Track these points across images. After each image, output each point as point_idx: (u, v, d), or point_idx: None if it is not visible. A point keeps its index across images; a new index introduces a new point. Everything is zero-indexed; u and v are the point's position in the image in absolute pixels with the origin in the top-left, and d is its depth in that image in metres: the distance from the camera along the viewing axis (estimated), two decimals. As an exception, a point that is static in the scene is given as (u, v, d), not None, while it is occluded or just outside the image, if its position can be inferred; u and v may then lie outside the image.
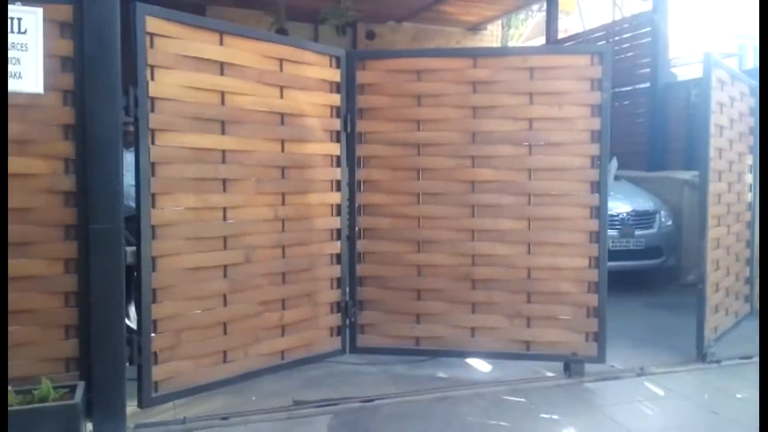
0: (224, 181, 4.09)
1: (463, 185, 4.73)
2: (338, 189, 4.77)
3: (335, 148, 4.73)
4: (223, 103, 4.06)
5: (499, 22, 14.58)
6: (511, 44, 17.07)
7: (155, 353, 3.76)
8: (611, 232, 7.16)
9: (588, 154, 4.60)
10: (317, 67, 4.61)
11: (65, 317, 3.54)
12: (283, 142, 4.41)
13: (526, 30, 19.02)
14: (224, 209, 4.09)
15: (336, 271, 4.79)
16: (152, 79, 3.71)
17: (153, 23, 3.69)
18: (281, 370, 4.46)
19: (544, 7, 13.01)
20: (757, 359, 4.93)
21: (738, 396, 4.39)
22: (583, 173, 4.62)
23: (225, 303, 4.11)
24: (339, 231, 4.79)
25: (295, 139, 4.48)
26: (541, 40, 13.58)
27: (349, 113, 4.76)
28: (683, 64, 11.18)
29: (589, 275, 4.61)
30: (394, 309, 4.83)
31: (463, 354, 4.83)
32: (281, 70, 4.38)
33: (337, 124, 4.72)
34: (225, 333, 4.12)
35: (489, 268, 4.72)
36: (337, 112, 4.73)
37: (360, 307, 4.85)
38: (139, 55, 3.64)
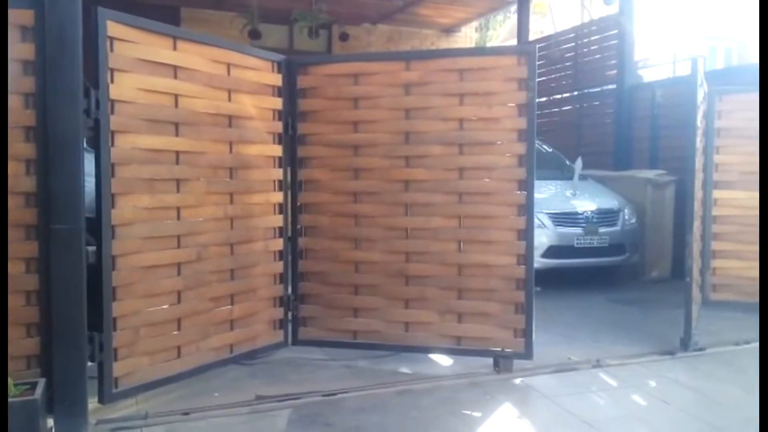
0: (178, 181, 4.21)
1: (397, 184, 4.87)
2: (281, 189, 4.97)
3: (278, 150, 4.93)
4: (176, 105, 4.19)
5: (474, 24, 14.67)
6: (489, 45, 17.10)
7: (115, 350, 3.86)
8: (576, 230, 7.61)
9: (515, 153, 4.67)
10: (261, 72, 4.78)
11: (27, 315, 3.59)
12: (231, 143, 4.57)
13: (503, 31, 18.98)
14: (178, 209, 4.22)
15: (279, 267, 4.99)
16: (112, 82, 3.80)
17: (113, 28, 3.78)
18: (229, 363, 4.63)
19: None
20: (711, 351, 5.30)
21: (689, 386, 4.57)
22: (511, 172, 4.69)
23: (179, 300, 4.24)
24: (282, 229, 4.99)
25: (242, 141, 4.65)
26: (515, 42, 13.65)
27: (290, 116, 4.96)
28: (651, 65, 11.56)
29: (517, 272, 4.69)
30: (333, 303, 5.03)
31: (397, 348, 4.96)
32: (229, 74, 4.54)
33: (279, 126, 4.92)
34: (179, 329, 4.25)
35: (421, 265, 4.85)
36: (279, 115, 4.92)
37: (301, 301, 5.07)
38: (100, 58, 3.72)
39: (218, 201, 4.49)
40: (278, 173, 4.94)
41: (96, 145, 3.75)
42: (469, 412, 4.08)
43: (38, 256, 3.59)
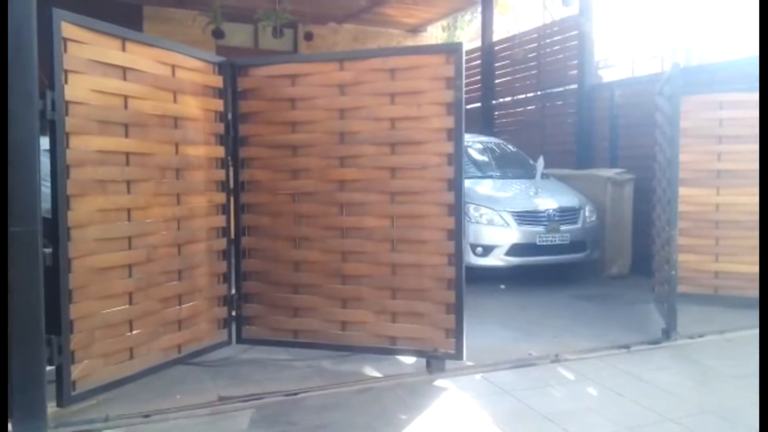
0: (128, 182, 4.23)
1: (332, 184, 4.93)
2: (224, 189, 5.03)
3: (221, 151, 5.00)
4: (126, 107, 4.20)
5: (441, 23, 14.68)
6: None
7: (72, 352, 3.84)
8: (538, 228, 7.74)
9: (444, 152, 4.65)
10: (203, 74, 4.84)
11: (-17, 321, 3.53)
12: (177, 144, 4.61)
13: (471, 30, 18.53)
14: (129, 210, 4.23)
15: (223, 266, 5.05)
16: (66, 83, 3.78)
17: (67, 29, 3.76)
18: (178, 363, 4.65)
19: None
20: (666, 344, 5.40)
21: (643, 379, 4.64)
22: (440, 171, 4.66)
23: (131, 301, 4.25)
24: (225, 229, 5.06)
25: (186, 142, 4.69)
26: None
27: (232, 117, 5.02)
28: (611, 66, 11.54)
29: (447, 272, 4.67)
30: (275, 303, 5.10)
31: (335, 347, 4.99)
32: (174, 75, 4.57)
33: (221, 128, 4.98)
34: (131, 330, 4.26)
35: (357, 265, 4.89)
36: (221, 116, 4.98)
37: (245, 300, 5.14)
38: (55, 59, 3.69)
39: (166, 202, 4.52)
40: (221, 174, 5.01)
41: (51, 146, 3.72)
42: (426, 405, 4.18)
43: (-5, 259, 3.53)
